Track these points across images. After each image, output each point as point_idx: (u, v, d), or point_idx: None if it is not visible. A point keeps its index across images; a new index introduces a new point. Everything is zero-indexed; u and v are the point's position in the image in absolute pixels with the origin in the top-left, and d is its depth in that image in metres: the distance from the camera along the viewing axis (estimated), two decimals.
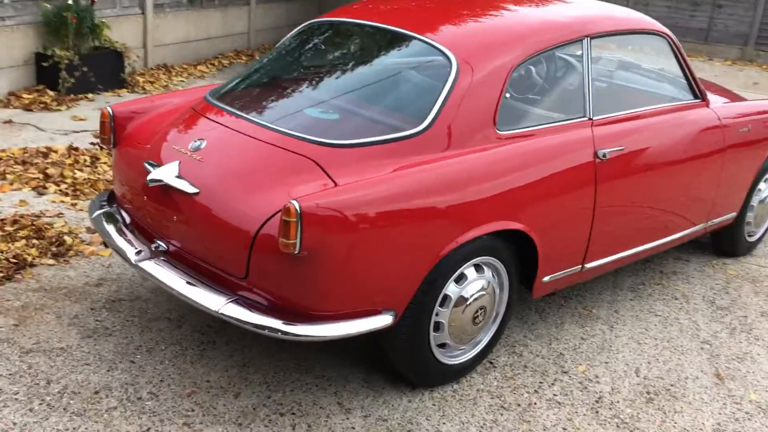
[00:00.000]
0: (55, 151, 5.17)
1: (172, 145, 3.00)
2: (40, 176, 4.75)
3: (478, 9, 3.42)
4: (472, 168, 2.86)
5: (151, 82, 7.39)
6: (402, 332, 2.83)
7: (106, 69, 6.85)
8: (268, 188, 2.68)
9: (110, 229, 3.15)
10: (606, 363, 3.40)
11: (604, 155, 3.28)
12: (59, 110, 6.30)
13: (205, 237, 2.75)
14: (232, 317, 2.61)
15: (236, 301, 2.65)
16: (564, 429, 2.92)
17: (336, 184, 2.66)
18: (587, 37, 3.35)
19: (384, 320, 2.70)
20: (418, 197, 2.69)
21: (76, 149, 5.27)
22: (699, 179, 3.89)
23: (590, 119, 3.33)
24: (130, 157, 3.17)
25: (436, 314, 2.90)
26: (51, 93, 6.49)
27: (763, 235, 4.81)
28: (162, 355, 3.15)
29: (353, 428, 2.81)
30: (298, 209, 2.43)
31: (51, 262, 3.81)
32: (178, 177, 2.82)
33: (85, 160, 5.09)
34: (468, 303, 2.96)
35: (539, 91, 3.46)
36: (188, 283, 2.77)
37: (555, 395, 3.12)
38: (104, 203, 3.39)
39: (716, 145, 3.92)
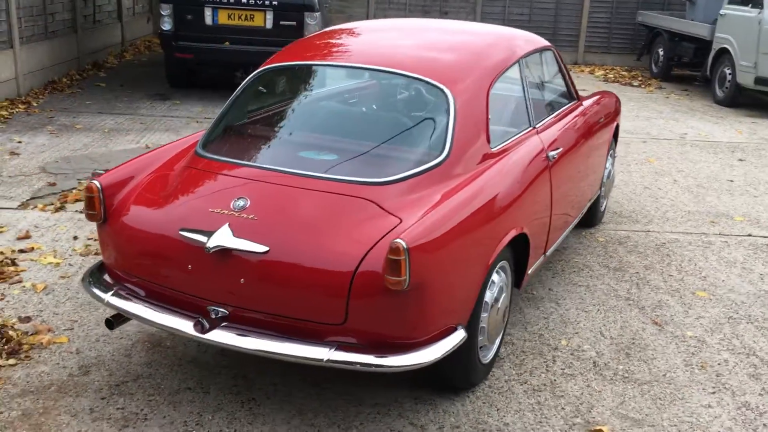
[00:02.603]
0: None
1: (208, 209, 2.92)
2: None
3: (425, 40, 3.75)
4: (494, 183, 3.21)
5: None
6: (463, 343, 3.08)
7: None
8: (343, 233, 2.78)
9: (142, 309, 2.97)
10: (577, 333, 3.95)
11: (553, 156, 3.82)
12: None
13: (288, 292, 2.75)
14: (340, 362, 2.69)
15: (338, 347, 2.72)
16: (590, 394, 3.40)
17: (401, 219, 2.84)
18: (521, 58, 3.85)
19: (460, 335, 2.94)
20: (471, 217, 2.97)
21: None
22: (591, 163, 4.62)
23: (535, 128, 3.85)
24: (149, 228, 3.00)
25: (481, 320, 3.21)
26: None
27: (606, 205, 5.75)
28: (217, 426, 3.04)
29: None
30: (405, 246, 2.59)
31: (12, 362, 3.39)
32: (238, 239, 2.79)
33: None
34: (499, 305, 3.31)
35: (500, 109, 3.89)
36: (275, 342, 2.76)
37: (563, 369, 3.60)
38: (105, 283, 3.15)
39: (593, 133, 4.68)
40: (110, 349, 3.57)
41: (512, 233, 3.28)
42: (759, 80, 10.18)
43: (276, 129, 3.56)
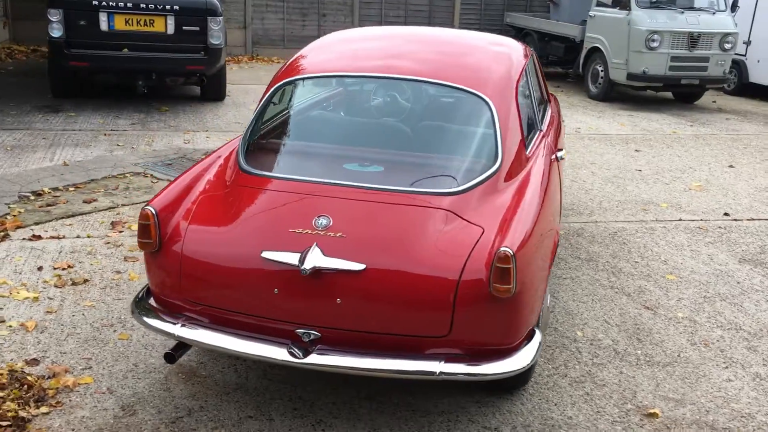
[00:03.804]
0: None
1: (288, 229, 2.80)
2: None
3: (443, 49, 3.78)
4: (540, 187, 3.31)
5: None
6: None
7: None
8: (433, 245, 2.78)
9: (223, 339, 2.80)
10: (586, 324, 4.16)
11: (561, 157, 4.00)
12: None
13: (388, 309, 2.71)
14: (453, 374, 2.69)
15: (446, 359, 2.72)
16: (627, 380, 3.60)
17: (482, 228, 2.88)
18: (526, 64, 3.99)
19: (539, 337, 3.02)
20: (540, 220, 3.06)
21: None
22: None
23: (541, 131, 4.01)
24: (223, 253, 2.84)
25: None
26: None
27: None
28: None
29: None
30: (512, 254, 2.64)
31: (44, 410, 3.08)
32: (332, 258, 2.71)
33: None
34: (547, 303, 3.43)
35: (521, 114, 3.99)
36: (382, 360, 2.71)
37: (593, 360, 3.78)
38: (161, 314, 2.94)
39: (561, 131, 4.92)
40: (144, 384, 3.33)
41: (557, 232, 3.41)
42: (631, 76, 11.05)
43: (316, 142, 3.46)
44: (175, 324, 2.88)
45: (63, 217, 5.27)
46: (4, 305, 3.96)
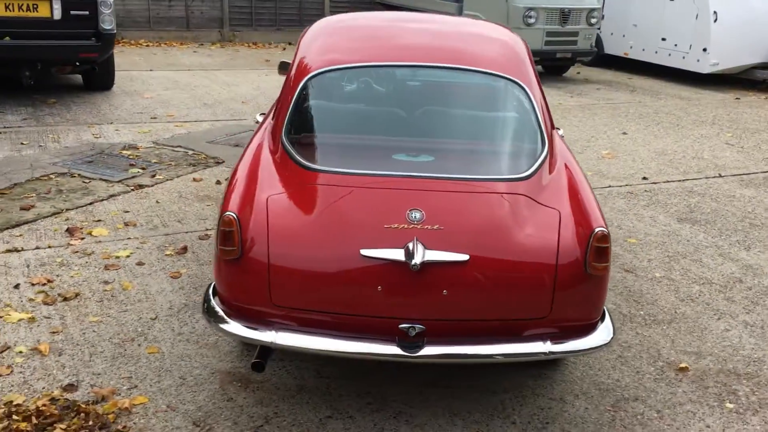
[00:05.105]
0: None
1: (383, 225, 2.76)
2: None
3: (460, 36, 3.82)
4: (576, 162, 3.48)
5: None
6: None
7: None
8: (522, 229, 2.85)
9: (321, 342, 2.74)
10: None
11: (562, 135, 4.18)
12: None
13: (493, 296, 2.75)
14: (562, 352, 2.81)
15: (549, 339, 2.82)
16: (646, 340, 3.88)
17: (558, 210, 2.99)
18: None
19: (606, 310, 3.17)
20: (594, 194, 3.22)
21: None
22: None
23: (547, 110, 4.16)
24: (318, 254, 2.74)
25: None
26: None
27: None
28: None
29: (598, 406, 3.27)
30: (608, 233, 2.78)
31: None
32: (435, 251, 2.71)
33: None
34: None
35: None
36: (492, 345, 2.77)
37: None
38: (245, 322, 2.82)
39: None
40: (203, 397, 3.17)
41: None
42: None
43: (358, 134, 3.40)
44: (267, 331, 2.76)
45: (7, 228, 4.79)
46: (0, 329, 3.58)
